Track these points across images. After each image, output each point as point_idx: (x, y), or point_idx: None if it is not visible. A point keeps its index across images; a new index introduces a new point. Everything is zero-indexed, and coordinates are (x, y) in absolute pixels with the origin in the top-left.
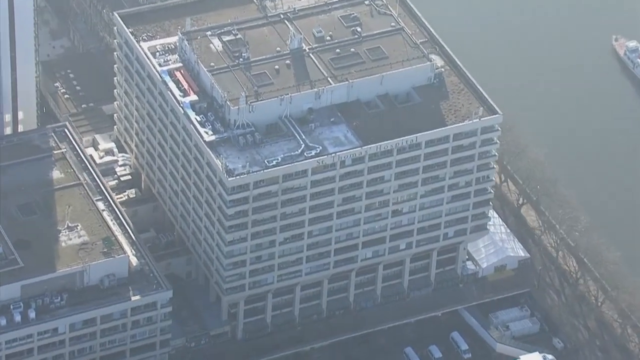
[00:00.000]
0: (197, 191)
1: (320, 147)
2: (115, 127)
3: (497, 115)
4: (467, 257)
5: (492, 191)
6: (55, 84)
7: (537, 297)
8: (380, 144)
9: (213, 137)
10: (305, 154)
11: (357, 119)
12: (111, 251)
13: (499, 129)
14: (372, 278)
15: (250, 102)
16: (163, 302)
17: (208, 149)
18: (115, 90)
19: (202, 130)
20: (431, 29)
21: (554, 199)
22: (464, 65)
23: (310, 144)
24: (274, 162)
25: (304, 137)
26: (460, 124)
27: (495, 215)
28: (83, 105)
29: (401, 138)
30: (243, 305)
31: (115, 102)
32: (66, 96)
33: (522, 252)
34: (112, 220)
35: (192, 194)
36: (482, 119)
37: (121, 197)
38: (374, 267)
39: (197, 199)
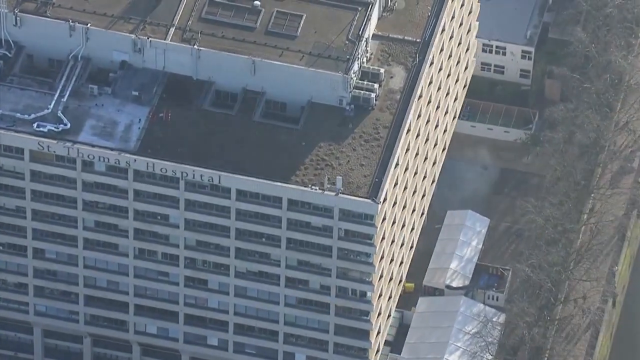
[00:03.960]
0: None
1: (69, 126)
2: None
3: (365, 201)
4: None
5: (370, 320)
6: None
7: None
8: (154, 161)
9: None
10: (36, 124)
11: (176, 110)
12: None
13: (375, 224)
14: None
15: (19, 12)
16: None
17: None
18: None
19: None
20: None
21: None
22: None
23: (61, 115)
24: None
25: (65, 99)
26: (300, 187)
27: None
28: None
29: (196, 168)
30: None
31: None
32: None
33: None
34: None
35: None
36: (340, 194)
37: None
38: (172, 353)
39: None
